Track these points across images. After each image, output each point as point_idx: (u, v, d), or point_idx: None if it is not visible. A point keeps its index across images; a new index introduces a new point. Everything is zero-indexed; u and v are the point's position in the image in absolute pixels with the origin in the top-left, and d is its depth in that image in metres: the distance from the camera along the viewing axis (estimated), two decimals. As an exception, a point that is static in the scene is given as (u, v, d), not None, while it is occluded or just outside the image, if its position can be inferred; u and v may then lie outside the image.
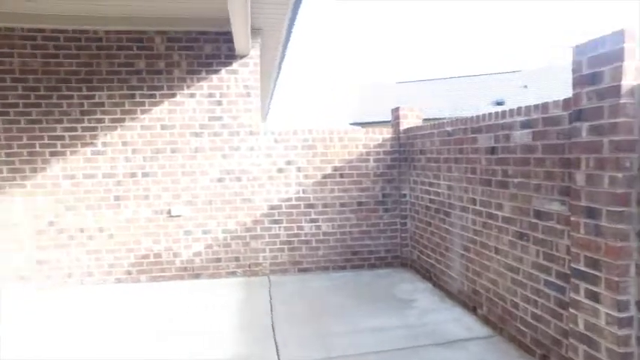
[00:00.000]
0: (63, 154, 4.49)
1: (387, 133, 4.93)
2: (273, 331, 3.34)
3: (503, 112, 3.05)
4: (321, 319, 3.55)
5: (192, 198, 4.69)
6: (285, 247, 4.87)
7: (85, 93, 4.47)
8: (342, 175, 4.90)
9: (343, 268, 4.96)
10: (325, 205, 4.89)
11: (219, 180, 4.72)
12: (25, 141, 4.42)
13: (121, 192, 4.59)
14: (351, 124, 18.35)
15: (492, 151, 3.17)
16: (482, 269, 3.38)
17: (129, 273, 4.65)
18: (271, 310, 3.75)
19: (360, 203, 4.93)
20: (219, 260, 4.77)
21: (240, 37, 4.10)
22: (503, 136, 3.04)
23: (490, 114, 3.23)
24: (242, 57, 4.67)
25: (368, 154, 4.91)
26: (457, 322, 3.43)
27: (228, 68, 4.67)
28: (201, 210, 4.71)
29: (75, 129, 4.49)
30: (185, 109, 4.63)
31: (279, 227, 4.84)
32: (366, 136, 4.91)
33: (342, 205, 4.91)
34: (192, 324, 3.51)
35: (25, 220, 4.48)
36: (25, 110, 4.40)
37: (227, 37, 4.51)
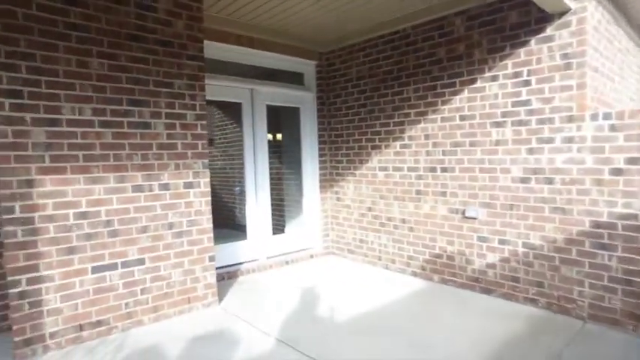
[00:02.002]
0: (379, 147, 4.96)
1: None
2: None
3: None
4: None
5: (490, 200, 3.98)
6: (619, 287, 3.24)
7: (396, 90, 4.72)
8: None
9: None
10: (702, 235, 2.85)
11: (523, 180, 3.74)
12: (356, 137, 5.23)
13: (421, 186, 4.56)
14: None
15: None
16: None
17: (423, 269, 4.58)
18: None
19: None
20: (516, 280, 3.82)
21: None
22: None
23: None
24: (560, 15, 3.43)
25: None
26: None
27: (538, 37, 3.56)
28: (499, 215, 3.92)
29: (388, 124, 4.84)
30: (485, 95, 3.96)
31: (610, 256, 3.27)
32: None
33: None
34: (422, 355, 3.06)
35: (353, 204, 5.33)
36: (358, 110, 5.18)
37: (537, -6, 3.44)
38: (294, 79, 5.48)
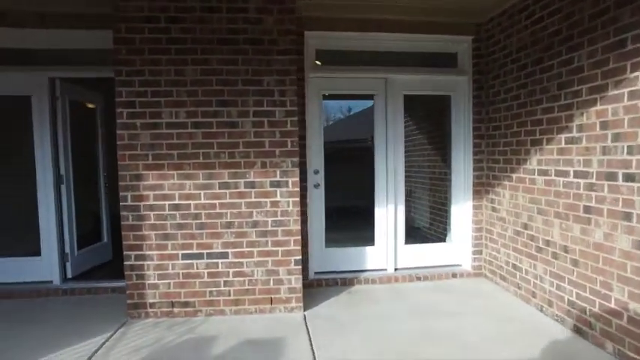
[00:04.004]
0: (539, 142, 3.53)
1: None
2: None
3: None
4: None
5: None
6: None
7: (564, 57, 3.22)
8: None
9: None
10: None
11: None
12: (514, 128, 3.89)
13: (592, 201, 2.99)
14: None
15: None
16: None
17: (590, 326, 2.99)
18: None
19: None
20: None
21: None
22: None
23: None
24: None
25: None
26: None
27: None
28: None
29: (551, 109, 3.38)
30: None
31: None
32: None
33: None
34: None
35: (508, 217, 4.00)
36: (517, 93, 3.83)
37: None
38: (443, 61, 4.53)
